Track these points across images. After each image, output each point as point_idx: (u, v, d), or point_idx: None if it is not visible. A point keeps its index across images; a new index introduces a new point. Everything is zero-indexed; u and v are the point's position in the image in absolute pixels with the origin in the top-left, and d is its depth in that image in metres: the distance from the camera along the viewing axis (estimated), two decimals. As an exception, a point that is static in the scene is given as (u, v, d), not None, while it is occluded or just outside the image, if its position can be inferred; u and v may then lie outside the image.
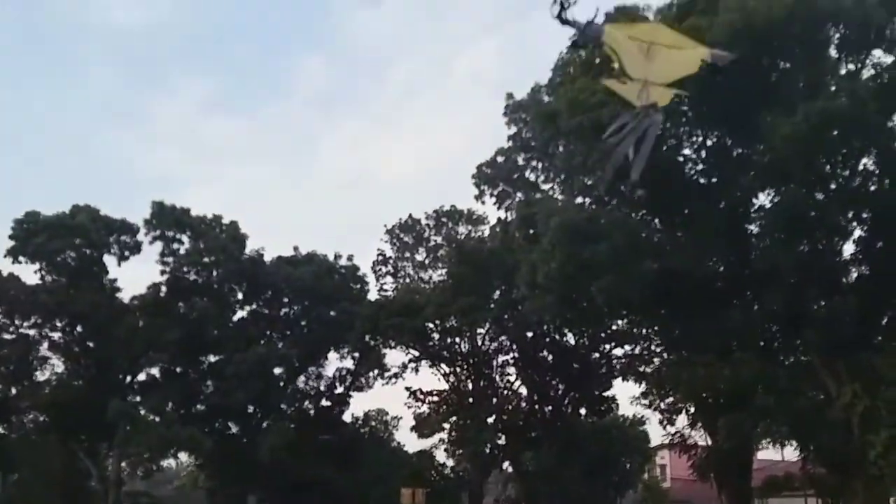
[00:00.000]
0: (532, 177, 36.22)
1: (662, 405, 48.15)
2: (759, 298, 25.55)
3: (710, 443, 30.00)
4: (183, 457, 64.68)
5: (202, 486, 68.54)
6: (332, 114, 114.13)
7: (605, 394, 53.17)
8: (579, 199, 28.18)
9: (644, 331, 48.07)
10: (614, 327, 48.99)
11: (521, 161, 37.63)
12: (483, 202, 38.76)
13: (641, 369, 49.05)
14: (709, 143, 28.01)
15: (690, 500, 64.83)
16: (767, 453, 35.46)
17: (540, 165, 36.49)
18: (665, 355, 44.17)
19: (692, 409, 29.91)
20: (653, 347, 47.49)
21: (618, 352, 50.88)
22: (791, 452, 31.86)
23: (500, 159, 38.27)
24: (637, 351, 48.69)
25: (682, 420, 46.14)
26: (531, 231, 28.04)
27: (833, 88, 23.65)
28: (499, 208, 38.73)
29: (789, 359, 26.83)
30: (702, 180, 28.07)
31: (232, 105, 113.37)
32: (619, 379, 50.53)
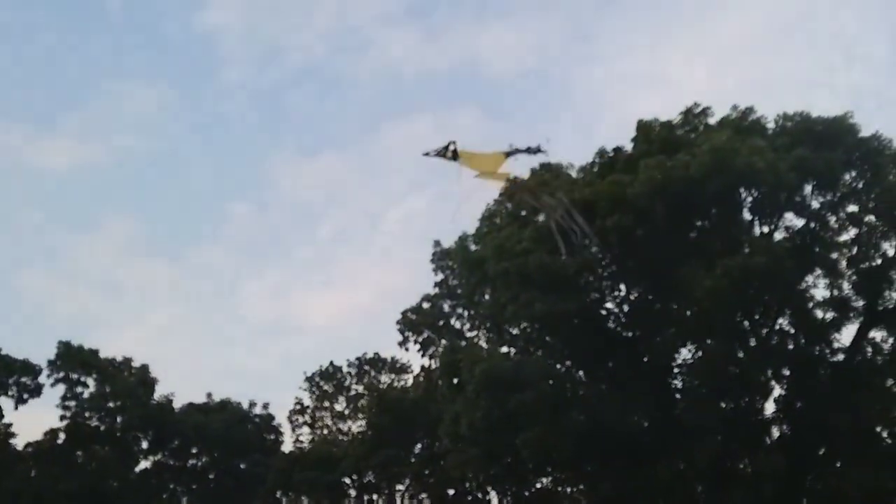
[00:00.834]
0: (458, 324, 35.86)
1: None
2: (685, 455, 25.01)
3: None
4: None
5: None
6: (257, 259, 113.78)
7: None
8: (504, 349, 27.78)
9: (569, 490, 46.76)
10: (538, 485, 47.55)
11: (446, 308, 37.35)
12: (407, 349, 37.98)
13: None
14: (632, 296, 28.32)
15: None
16: None
17: (466, 314, 36.20)
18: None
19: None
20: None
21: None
22: None
23: (425, 306, 37.93)
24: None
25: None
26: (455, 379, 27.26)
27: (747, 249, 24.35)
28: (423, 355, 37.98)
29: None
30: (626, 334, 28.10)
31: (155, 247, 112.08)
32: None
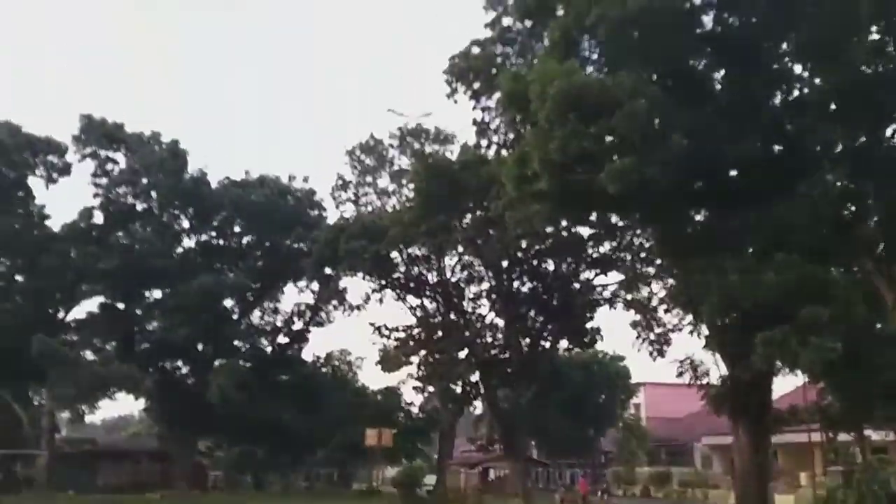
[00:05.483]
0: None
1: (652, 335, 44.22)
2: (797, 193, 20.80)
3: (721, 372, 25.53)
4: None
5: (154, 432, 64.16)
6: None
7: (588, 325, 48.98)
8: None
9: (632, 257, 43.94)
10: (595, 255, 44.87)
11: (498, 53, 32.24)
12: (456, 101, 33.21)
13: (629, 297, 45.03)
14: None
15: (670, 439, 61.80)
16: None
17: (521, 61, 31.18)
18: (660, 278, 40.06)
19: (705, 331, 25.26)
20: (641, 271, 43.52)
21: (602, 279, 46.71)
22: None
23: (475, 50, 32.79)
24: (625, 277, 44.57)
25: (674, 350, 42.40)
26: (520, 116, 22.82)
27: None
28: (474, 107, 33.32)
29: (838, 265, 22.23)
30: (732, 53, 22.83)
31: None
32: (607, 307, 46.17)
